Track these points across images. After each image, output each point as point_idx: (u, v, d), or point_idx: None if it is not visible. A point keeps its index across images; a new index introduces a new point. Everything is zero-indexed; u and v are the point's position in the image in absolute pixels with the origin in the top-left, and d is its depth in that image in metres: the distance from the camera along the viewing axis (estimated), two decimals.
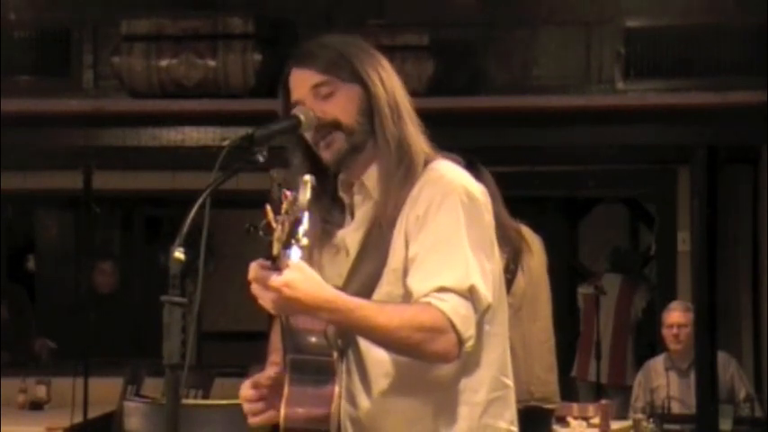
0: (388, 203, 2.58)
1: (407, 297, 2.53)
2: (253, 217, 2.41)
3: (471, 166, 4.65)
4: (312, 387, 2.56)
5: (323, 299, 2.41)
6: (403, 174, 2.59)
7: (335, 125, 2.60)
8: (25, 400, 7.61)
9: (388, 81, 2.64)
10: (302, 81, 2.63)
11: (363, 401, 2.61)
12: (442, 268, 2.51)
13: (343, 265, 2.64)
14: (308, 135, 2.63)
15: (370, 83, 2.62)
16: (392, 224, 2.58)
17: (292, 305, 2.41)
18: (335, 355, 2.58)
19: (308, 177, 2.40)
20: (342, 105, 2.61)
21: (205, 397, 6.64)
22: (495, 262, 2.62)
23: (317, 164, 2.65)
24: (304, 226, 2.38)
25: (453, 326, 2.47)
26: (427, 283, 2.50)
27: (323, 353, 2.57)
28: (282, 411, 2.55)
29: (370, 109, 2.62)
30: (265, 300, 2.41)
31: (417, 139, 2.64)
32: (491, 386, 2.62)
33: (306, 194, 2.38)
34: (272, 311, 2.46)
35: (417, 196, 2.57)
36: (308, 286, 2.40)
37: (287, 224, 2.37)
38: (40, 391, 7.61)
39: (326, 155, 2.62)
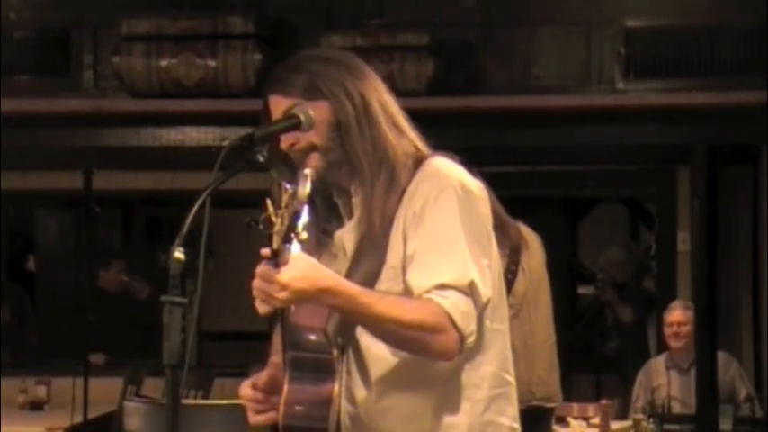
0: (373, 216, 2.58)
1: (407, 294, 2.53)
2: (253, 217, 2.41)
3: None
4: (311, 385, 2.55)
5: (326, 285, 2.42)
6: (387, 180, 2.59)
7: (309, 148, 2.61)
8: (25, 400, 7.61)
9: (357, 91, 2.62)
10: (275, 107, 2.64)
11: (363, 399, 2.61)
12: (440, 265, 2.51)
13: (341, 264, 2.64)
14: (292, 156, 2.63)
15: (333, 99, 2.61)
16: (390, 221, 2.58)
17: (300, 296, 2.42)
18: (335, 352, 2.58)
19: (308, 171, 2.41)
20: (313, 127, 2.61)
21: (205, 397, 6.64)
22: (494, 255, 2.63)
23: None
24: (303, 219, 2.39)
25: (454, 322, 2.47)
26: (427, 279, 2.50)
27: (322, 350, 2.56)
28: (281, 409, 2.55)
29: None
30: (272, 295, 2.41)
31: (398, 142, 2.62)
32: (493, 382, 2.62)
33: (305, 188, 2.39)
34: (279, 305, 2.45)
35: (414, 192, 2.58)
36: (312, 274, 2.41)
37: (286, 218, 2.37)
38: (40, 391, 7.60)
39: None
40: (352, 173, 2.63)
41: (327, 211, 2.69)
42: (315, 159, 2.61)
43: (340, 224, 2.68)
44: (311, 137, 2.60)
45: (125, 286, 8.69)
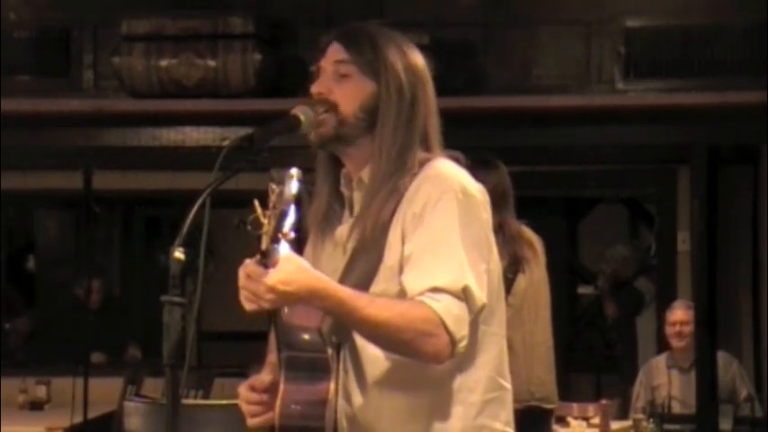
0: (369, 218, 2.58)
1: (402, 295, 2.52)
2: (241, 218, 2.42)
3: (486, 164, 4.70)
4: (307, 384, 2.55)
5: (314, 288, 2.42)
6: (392, 186, 2.59)
7: (332, 107, 2.61)
8: (25, 400, 7.62)
9: (411, 95, 2.63)
10: (332, 53, 2.67)
11: (359, 398, 2.61)
12: (436, 268, 2.50)
13: (339, 261, 2.64)
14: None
15: (384, 86, 2.62)
16: (385, 224, 2.58)
17: (286, 299, 2.42)
18: (330, 351, 2.57)
19: (293, 171, 2.42)
20: (348, 93, 2.61)
21: (205, 397, 6.64)
22: (494, 260, 2.62)
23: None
24: (290, 220, 2.39)
25: (445, 326, 2.46)
26: (421, 282, 2.49)
27: (317, 349, 2.56)
28: (278, 409, 2.55)
29: (375, 109, 2.62)
30: (260, 297, 2.41)
31: (419, 154, 2.61)
32: (487, 386, 2.61)
33: (292, 188, 2.39)
34: (267, 307, 2.45)
35: (415, 193, 2.57)
36: (299, 277, 2.41)
37: (274, 218, 2.38)
38: (40, 391, 7.61)
39: (314, 133, 2.62)
40: (357, 157, 2.63)
41: (335, 194, 2.69)
42: (329, 124, 2.61)
43: (341, 212, 2.69)
44: (340, 98, 2.61)
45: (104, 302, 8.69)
